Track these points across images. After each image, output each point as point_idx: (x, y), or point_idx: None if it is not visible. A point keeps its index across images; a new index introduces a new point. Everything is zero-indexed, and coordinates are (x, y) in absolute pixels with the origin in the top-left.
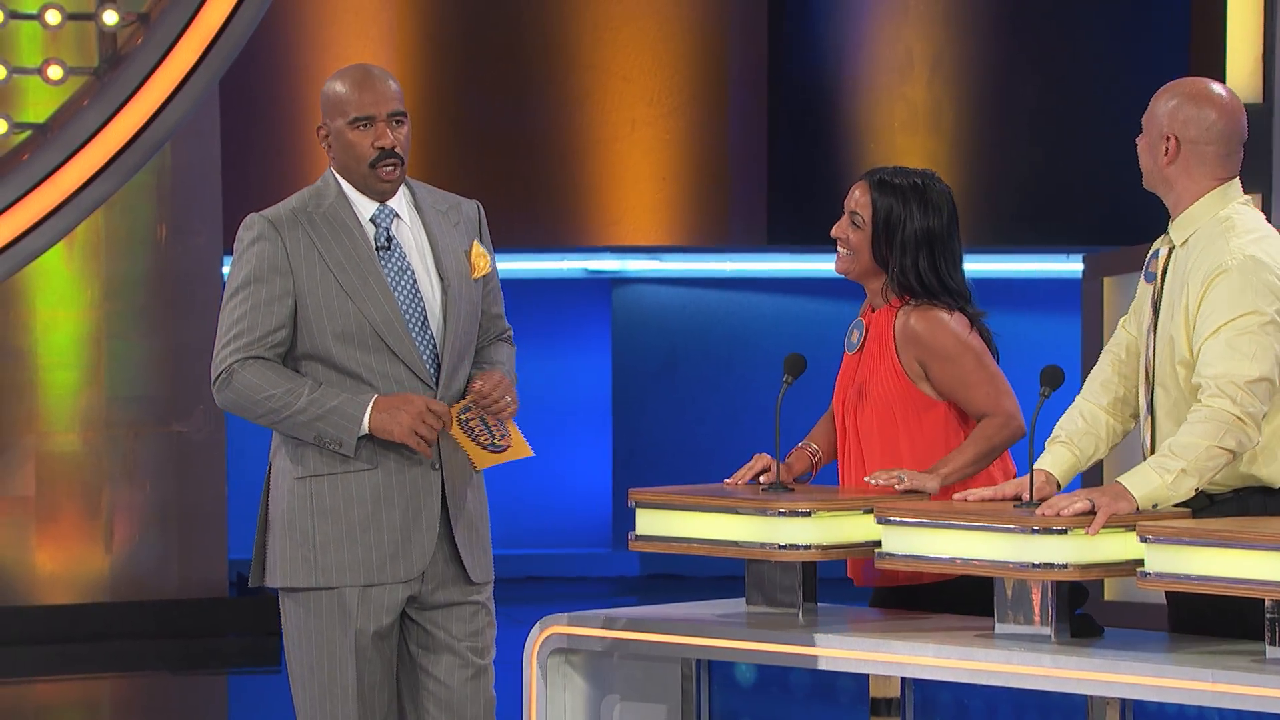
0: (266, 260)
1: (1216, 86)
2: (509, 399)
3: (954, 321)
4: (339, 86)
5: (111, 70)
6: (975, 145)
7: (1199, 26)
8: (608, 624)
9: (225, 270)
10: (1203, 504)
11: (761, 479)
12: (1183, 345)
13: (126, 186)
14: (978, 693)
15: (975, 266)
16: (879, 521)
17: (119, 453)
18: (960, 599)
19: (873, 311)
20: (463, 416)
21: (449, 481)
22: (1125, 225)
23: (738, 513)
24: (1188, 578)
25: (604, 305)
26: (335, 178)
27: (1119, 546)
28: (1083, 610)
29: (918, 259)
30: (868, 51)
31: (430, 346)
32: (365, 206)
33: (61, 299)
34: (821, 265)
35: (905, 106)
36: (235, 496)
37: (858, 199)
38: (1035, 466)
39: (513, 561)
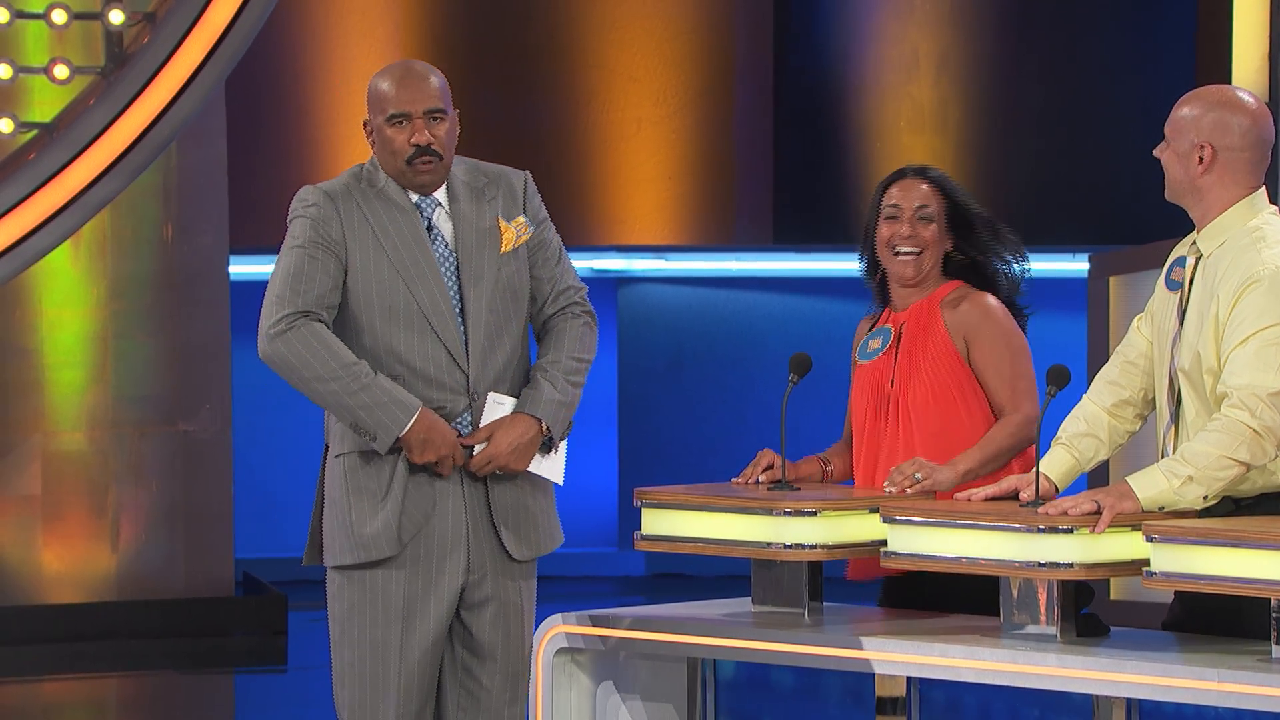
0: (320, 229)
1: (1244, 93)
2: (489, 466)
3: (1002, 311)
4: (381, 83)
5: (118, 69)
6: (981, 144)
7: (1205, 25)
8: (614, 623)
9: (231, 270)
10: (1228, 509)
11: (762, 476)
12: (1211, 356)
13: (132, 186)
14: (984, 692)
15: None
16: (885, 521)
17: (125, 452)
18: (967, 587)
19: (897, 311)
20: None
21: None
22: (1131, 224)
23: (744, 512)
24: (1194, 577)
25: (610, 304)
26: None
27: (1125, 546)
28: (1088, 610)
29: (994, 233)
30: (873, 51)
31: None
32: (410, 195)
33: (68, 298)
34: (827, 264)
35: (911, 106)
36: (241, 495)
37: (922, 193)
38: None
39: None
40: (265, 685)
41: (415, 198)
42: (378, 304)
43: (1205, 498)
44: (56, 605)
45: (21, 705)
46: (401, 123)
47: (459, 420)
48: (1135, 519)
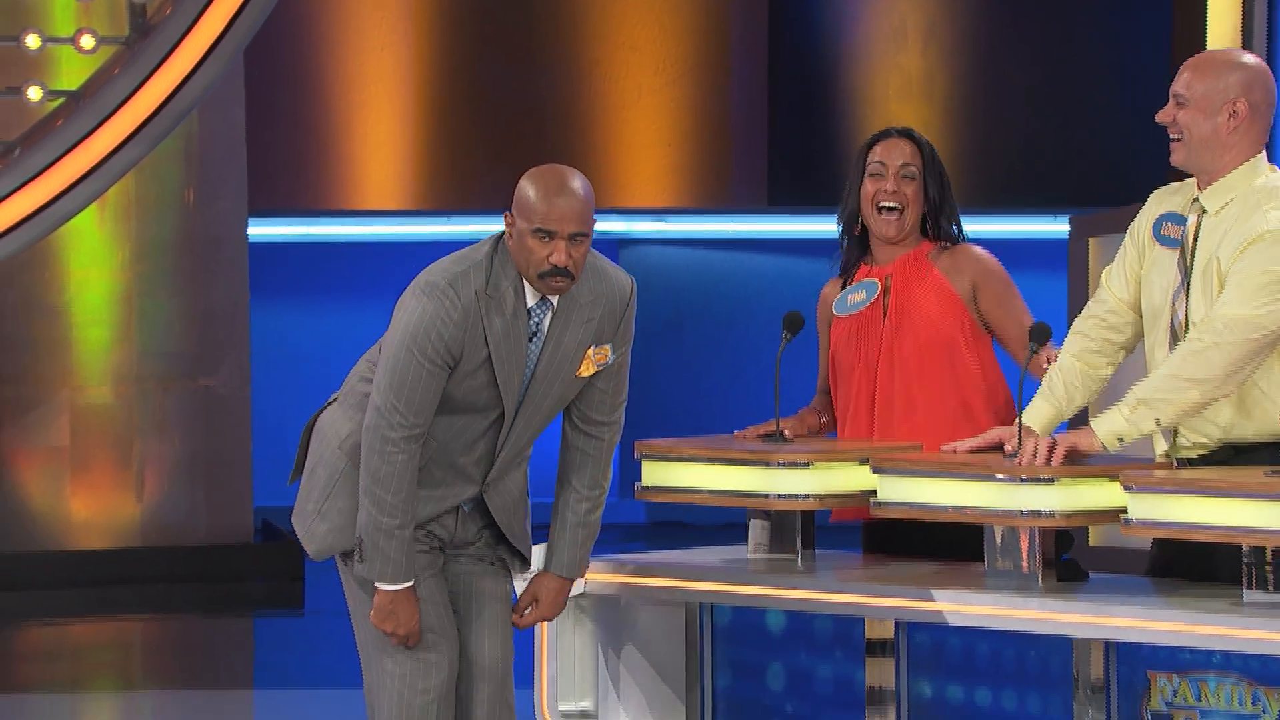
0: (446, 349)
1: (1252, 54)
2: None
3: (994, 258)
4: (531, 191)
5: (141, 39)
6: (966, 112)
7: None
8: (616, 569)
9: (250, 232)
10: (1228, 455)
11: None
12: None
13: (155, 152)
14: (968, 635)
15: (967, 228)
16: (875, 471)
17: (149, 406)
18: (944, 528)
19: (880, 265)
20: None
21: (496, 511)
22: (1110, 188)
23: (740, 464)
24: (1169, 524)
25: None
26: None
27: (1103, 494)
28: (1069, 556)
29: (953, 199)
30: (864, 22)
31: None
32: (530, 295)
33: (94, 259)
34: (820, 226)
35: (899, 75)
36: (260, 447)
37: (906, 152)
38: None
39: None
40: (283, 628)
41: (532, 301)
42: (461, 399)
43: (1158, 421)
44: (83, 551)
45: (50, 647)
46: (545, 238)
47: (464, 504)
48: (1113, 469)
